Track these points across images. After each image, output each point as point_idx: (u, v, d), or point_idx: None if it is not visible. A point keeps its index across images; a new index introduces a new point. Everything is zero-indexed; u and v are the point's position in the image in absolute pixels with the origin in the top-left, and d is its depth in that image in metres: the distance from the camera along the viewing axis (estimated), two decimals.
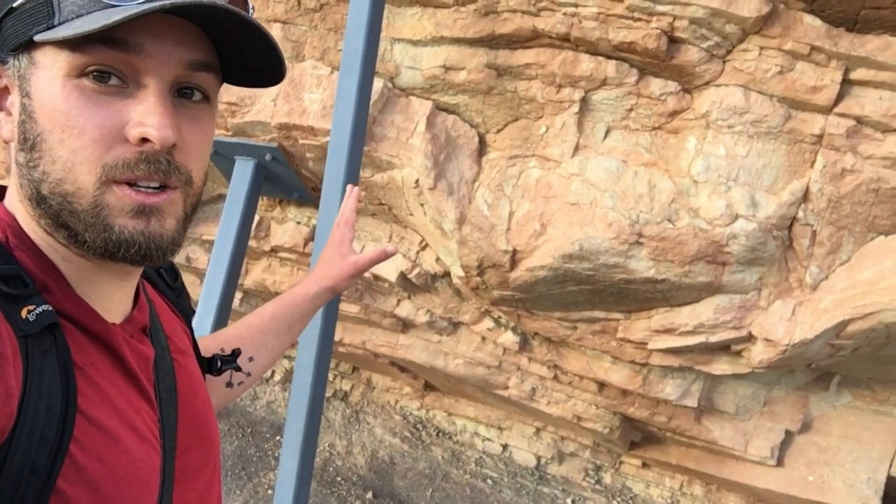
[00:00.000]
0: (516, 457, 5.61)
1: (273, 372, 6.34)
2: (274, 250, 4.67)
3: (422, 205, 3.64)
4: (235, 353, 1.19)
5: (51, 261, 0.79)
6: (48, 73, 0.72)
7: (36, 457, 0.68)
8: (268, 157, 3.96)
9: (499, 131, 3.52)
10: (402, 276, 4.23)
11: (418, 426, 5.91)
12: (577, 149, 3.33)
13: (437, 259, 4.09)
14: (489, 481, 5.52)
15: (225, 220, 3.79)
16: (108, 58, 0.72)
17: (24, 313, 0.71)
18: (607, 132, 3.32)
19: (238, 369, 1.20)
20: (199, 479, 0.95)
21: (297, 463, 3.03)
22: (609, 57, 3.15)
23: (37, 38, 0.72)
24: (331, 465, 5.62)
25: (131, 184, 0.74)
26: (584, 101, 3.27)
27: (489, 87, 3.35)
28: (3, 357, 0.65)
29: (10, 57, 0.76)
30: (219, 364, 1.15)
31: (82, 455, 0.72)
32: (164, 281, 1.07)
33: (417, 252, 4.17)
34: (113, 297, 0.85)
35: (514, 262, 3.49)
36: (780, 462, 4.30)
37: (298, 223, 4.59)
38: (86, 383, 0.76)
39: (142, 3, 0.69)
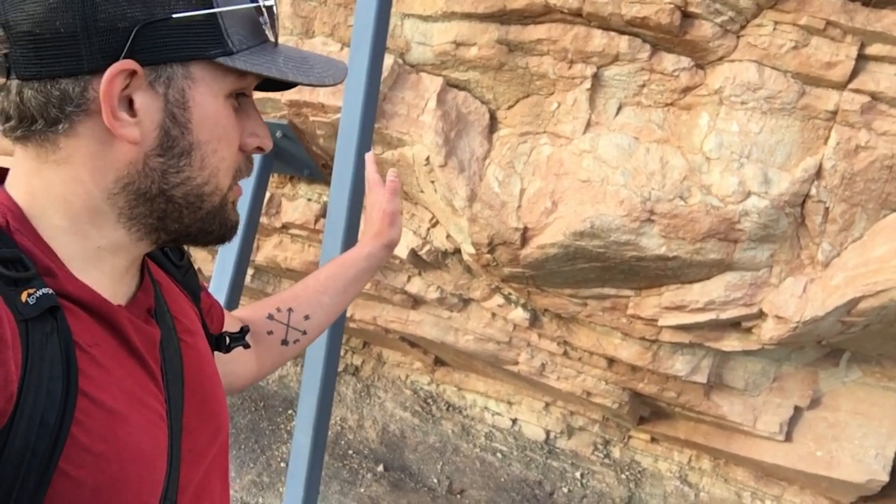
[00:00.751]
0: (526, 431, 5.67)
1: None
2: (285, 227, 4.69)
3: (432, 182, 3.64)
4: (244, 330, 1.19)
5: (50, 246, 0.79)
6: (210, 90, 0.80)
7: (37, 440, 0.68)
8: (278, 134, 3.96)
9: (510, 108, 3.50)
10: (413, 253, 4.24)
11: (429, 400, 5.97)
12: (588, 125, 3.31)
13: (448, 236, 4.10)
14: (499, 455, 5.58)
15: None
16: (249, 80, 0.85)
17: (24, 297, 0.71)
18: (619, 108, 3.30)
19: (247, 346, 1.20)
20: (206, 458, 0.96)
21: (311, 437, 3.07)
22: (621, 32, 3.12)
23: (220, 60, 0.79)
24: (342, 438, 5.69)
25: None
26: (595, 77, 3.25)
27: (500, 63, 3.33)
28: (2, 341, 0.65)
29: (150, 65, 0.76)
30: (227, 342, 1.16)
31: (86, 436, 0.72)
32: (169, 260, 1.08)
33: (428, 229, 4.18)
34: (116, 280, 0.85)
35: (524, 240, 3.50)
36: (788, 437, 4.33)
37: (309, 200, 4.60)
38: (89, 364, 0.76)
39: (320, 75, 0.87)
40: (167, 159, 0.79)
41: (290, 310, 1.32)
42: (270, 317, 1.31)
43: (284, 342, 1.31)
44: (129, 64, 0.74)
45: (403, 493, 5.16)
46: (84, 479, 0.72)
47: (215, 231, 0.88)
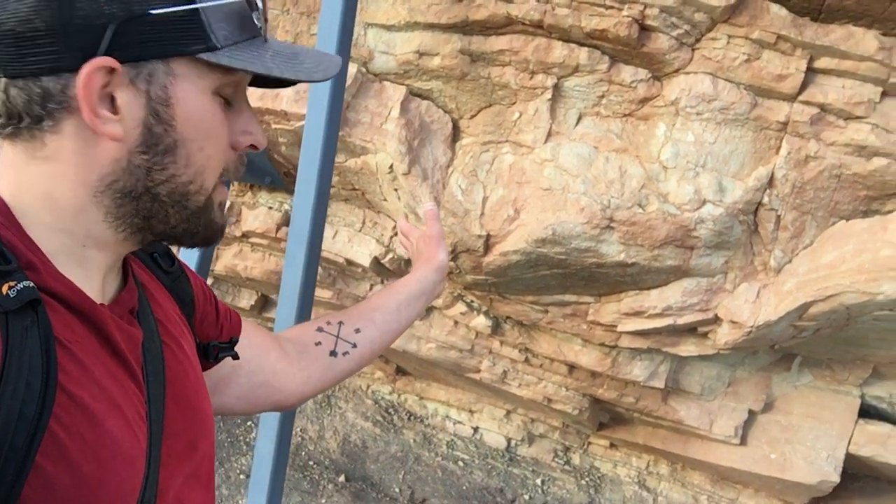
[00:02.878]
0: (487, 439, 5.69)
1: None
2: (245, 235, 4.65)
3: (396, 190, 3.66)
4: (233, 341, 1.19)
5: (34, 241, 0.79)
6: (193, 87, 0.80)
7: (14, 433, 0.68)
8: None
9: (472, 117, 3.55)
10: (376, 261, 4.25)
11: (390, 410, 5.96)
12: (549, 135, 3.37)
13: None
14: (460, 463, 5.59)
15: None
16: (237, 77, 0.84)
17: (4, 289, 0.71)
18: (579, 118, 3.37)
19: (235, 357, 1.19)
20: (187, 463, 0.95)
21: (274, 444, 3.04)
22: (581, 44, 3.19)
23: (202, 56, 0.79)
24: (303, 449, 5.64)
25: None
26: (556, 88, 3.31)
27: (463, 72, 3.37)
28: None
29: (131, 61, 0.77)
30: (216, 352, 1.15)
31: (63, 432, 0.72)
32: (158, 266, 1.08)
33: (391, 237, 4.19)
34: (100, 279, 0.85)
35: (487, 247, 3.53)
36: (743, 441, 4.43)
37: (270, 208, 4.58)
38: (69, 360, 0.76)
39: (310, 70, 0.86)
40: (151, 157, 0.80)
41: (340, 322, 1.34)
42: (320, 329, 1.34)
43: (333, 353, 1.32)
44: (107, 61, 0.75)
45: (365, 503, 5.13)
46: (61, 476, 0.71)
47: (200, 232, 0.88)
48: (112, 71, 0.76)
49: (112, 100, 0.77)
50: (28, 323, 0.72)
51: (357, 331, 1.34)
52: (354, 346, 1.33)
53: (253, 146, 0.89)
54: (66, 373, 0.74)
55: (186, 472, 0.95)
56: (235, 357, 1.19)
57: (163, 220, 0.84)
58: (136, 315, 0.92)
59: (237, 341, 1.20)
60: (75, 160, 0.79)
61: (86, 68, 0.74)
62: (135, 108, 0.78)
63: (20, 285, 0.72)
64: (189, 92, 0.79)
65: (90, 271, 0.84)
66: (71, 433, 0.73)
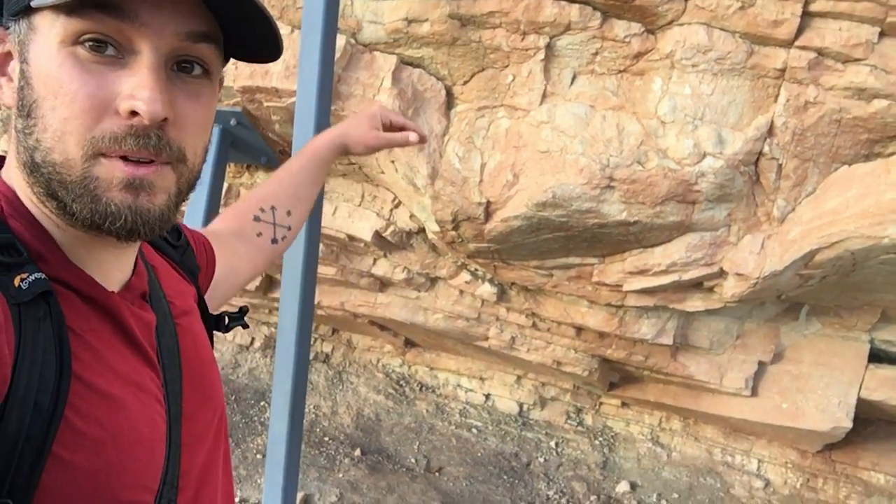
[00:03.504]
0: (499, 405, 5.73)
1: (252, 339, 6.35)
2: None
3: (392, 162, 3.64)
4: (243, 311, 1.19)
5: (46, 230, 0.78)
6: (45, 40, 0.72)
7: (30, 424, 0.68)
8: (232, 122, 3.91)
9: (465, 83, 3.50)
10: (377, 235, 4.23)
11: (401, 382, 5.99)
12: (544, 96, 3.33)
13: (411, 216, 4.10)
14: (474, 430, 5.63)
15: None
16: (102, 25, 0.70)
17: (16, 281, 0.71)
18: (574, 78, 3.32)
19: (245, 326, 1.20)
20: (206, 441, 0.95)
21: (287, 423, 3.06)
22: (572, 1, 3.13)
23: (33, 3, 0.71)
24: (317, 426, 5.69)
25: (122, 156, 0.73)
26: (549, 48, 3.26)
27: (453, 38, 3.32)
28: None
29: (11, 22, 0.75)
30: (226, 321, 1.15)
31: (80, 420, 0.72)
32: (165, 241, 1.06)
33: (391, 210, 4.17)
34: (110, 266, 0.84)
35: (488, 214, 3.51)
36: (754, 392, 4.45)
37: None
38: (83, 349, 0.75)
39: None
40: (23, 120, 0.74)
41: (273, 208, 1.35)
42: (257, 218, 1.34)
43: (274, 241, 1.36)
44: None
45: (382, 475, 5.18)
46: (79, 464, 0.71)
47: (87, 216, 0.74)
48: (1, 39, 0.77)
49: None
50: (41, 314, 0.72)
51: (289, 213, 1.38)
52: (289, 228, 1.38)
53: (134, 112, 0.71)
54: (80, 361, 0.74)
55: (206, 452, 0.95)
56: (245, 326, 1.21)
57: (59, 199, 0.75)
58: (149, 299, 0.91)
59: (247, 311, 1.21)
60: (11, 137, 0.79)
61: None
62: (16, 71, 0.76)
63: (32, 277, 0.72)
64: (41, 45, 0.72)
65: (97, 259, 0.82)
66: (89, 421, 0.73)
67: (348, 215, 4.29)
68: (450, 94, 3.57)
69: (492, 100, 3.45)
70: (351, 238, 4.35)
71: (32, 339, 0.70)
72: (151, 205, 0.75)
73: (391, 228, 4.19)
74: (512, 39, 3.27)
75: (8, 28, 0.76)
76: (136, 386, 0.81)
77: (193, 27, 0.75)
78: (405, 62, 3.51)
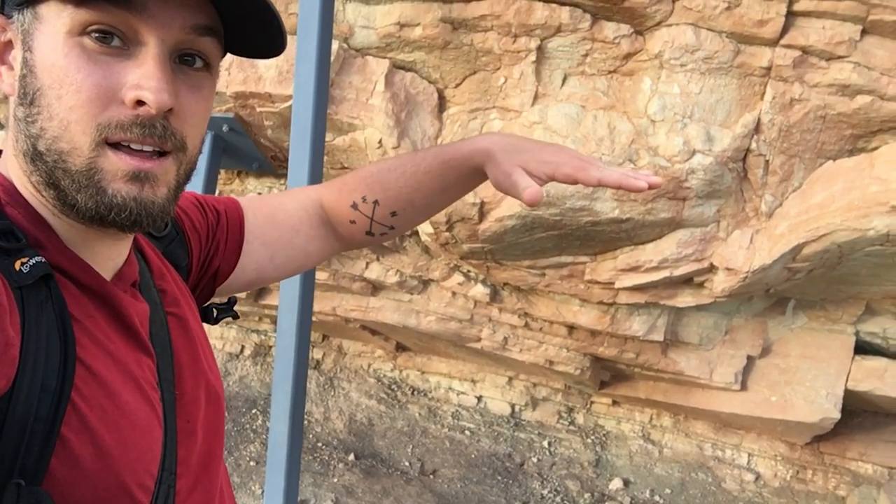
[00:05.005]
0: (491, 407, 5.76)
1: (243, 347, 6.34)
2: None
3: None
4: (231, 302, 1.18)
5: (43, 218, 0.79)
6: (51, 29, 0.73)
7: (39, 405, 0.68)
8: (225, 128, 3.92)
9: (457, 86, 3.55)
10: None
11: (393, 387, 6.00)
12: (536, 97, 3.38)
13: None
14: (467, 432, 5.66)
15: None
16: (110, 16, 0.72)
17: (17, 265, 0.71)
18: (565, 79, 3.38)
19: (235, 317, 1.19)
20: (201, 432, 0.95)
21: (287, 426, 3.08)
22: (562, 4, 3.19)
23: None
24: (310, 432, 5.68)
25: (126, 148, 0.75)
26: (540, 50, 3.32)
27: (445, 41, 3.37)
28: (0, 307, 0.65)
29: (14, 11, 0.76)
30: (215, 313, 1.15)
31: (84, 404, 0.73)
32: (149, 233, 1.05)
33: None
34: (105, 255, 0.85)
35: (482, 214, 3.56)
36: (743, 386, 4.52)
37: (259, 194, 4.56)
38: (84, 334, 0.76)
39: None
40: (25, 108, 0.75)
41: (375, 202, 1.20)
42: (354, 206, 1.22)
43: (370, 233, 1.24)
44: None
45: (377, 479, 5.19)
46: (84, 447, 0.72)
47: (92, 206, 0.75)
48: (2, 27, 0.77)
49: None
50: (42, 298, 0.73)
51: (393, 214, 1.21)
52: (392, 228, 1.23)
53: (141, 102, 0.73)
54: (82, 346, 0.75)
55: (203, 441, 0.94)
56: (235, 317, 1.19)
57: (61, 189, 0.76)
58: (139, 288, 0.91)
59: (235, 301, 1.19)
60: (10, 125, 0.80)
61: None
62: (18, 60, 0.77)
63: (33, 261, 0.73)
64: (46, 34, 0.73)
65: (92, 248, 0.83)
66: (91, 405, 0.73)
67: None
68: (442, 97, 3.62)
69: (484, 102, 3.50)
70: None
71: (36, 322, 0.71)
72: (155, 197, 0.77)
73: None
74: (503, 42, 3.32)
75: (10, 17, 0.77)
76: (132, 373, 0.81)
77: (199, 21, 0.77)
78: (397, 66, 3.55)
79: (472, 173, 1.18)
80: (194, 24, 0.76)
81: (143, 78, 0.73)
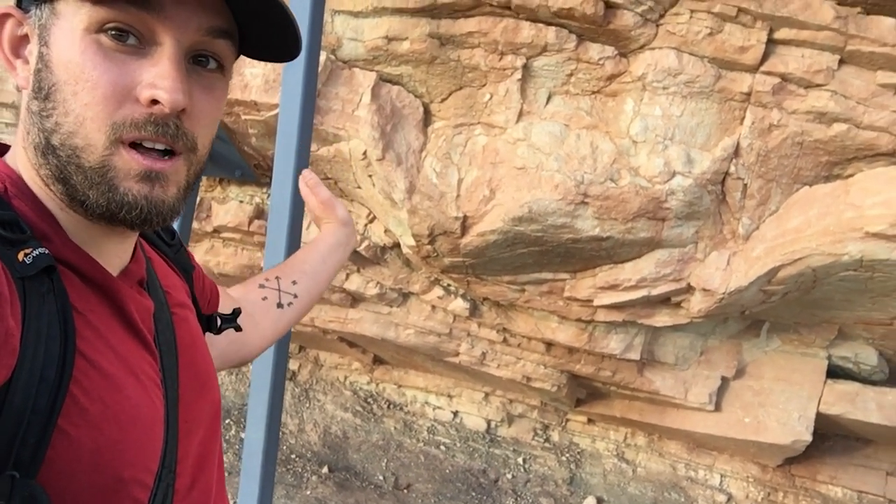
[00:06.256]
0: (467, 422, 5.76)
1: None
2: (217, 231, 4.62)
3: (370, 176, 3.68)
4: (236, 313, 1.19)
5: (50, 211, 0.79)
6: (68, 25, 0.73)
7: (37, 396, 0.68)
8: None
9: (443, 100, 3.58)
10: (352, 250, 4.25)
11: (369, 400, 5.98)
12: (521, 114, 3.42)
13: (386, 231, 4.14)
14: (442, 447, 5.64)
15: None
16: (128, 15, 0.73)
17: (20, 256, 0.71)
18: (549, 97, 3.43)
19: (238, 329, 1.19)
20: (201, 431, 0.95)
21: (264, 432, 3.06)
22: (549, 23, 3.24)
23: None
24: (284, 443, 5.64)
25: (139, 147, 0.75)
26: (525, 68, 3.36)
27: (432, 56, 3.40)
28: (1, 297, 0.65)
29: (32, 6, 0.77)
30: (218, 322, 1.15)
31: (84, 396, 0.72)
32: (160, 238, 1.07)
33: (365, 225, 4.21)
34: (111, 251, 0.85)
35: (464, 228, 3.58)
36: (717, 407, 4.57)
37: (241, 202, 4.56)
38: (86, 327, 0.76)
39: None
40: (39, 102, 0.76)
41: (277, 277, 1.37)
42: (262, 286, 1.36)
43: (279, 305, 1.36)
44: (5, 9, 0.77)
45: (350, 493, 5.16)
46: (83, 439, 0.71)
47: (103, 203, 0.76)
48: (9, 18, 0.78)
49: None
50: (44, 290, 0.72)
51: (294, 283, 1.39)
52: (295, 296, 1.39)
53: (155, 101, 0.74)
54: (83, 339, 0.75)
55: (202, 441, 0.95)
56: (238, 329, 1.20)
57: (72, 184, 0.76)
58: (146, 286, 0.92)
59: (240, 313, 1.20)
60: (22, 118, 0.80)
61: None
62: (34, 54, 0.77)
63: (36, 252, 0.73)
64: (64, 30, 0.74)
65: (98, 243, 0.83)
66: (92, 398, 0.73)
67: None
68: (427, 111, 3.64)
69: (469, 117, 3.54)
70: None
71: (37, 313, 0.70)
72: (165, 196, 0.78)
73: (365, 243, 4.22)
74: (490, 59, 3.36)
75: (27, 11, 0.77)
76: (134, 368, 0.81)
77: (214, 23, 0.78)
78: (384, 79, 3.58)
79: (335, 241, 1.49)
80: (210, 27, 0.77)
81: (159, 77, 0.74)
